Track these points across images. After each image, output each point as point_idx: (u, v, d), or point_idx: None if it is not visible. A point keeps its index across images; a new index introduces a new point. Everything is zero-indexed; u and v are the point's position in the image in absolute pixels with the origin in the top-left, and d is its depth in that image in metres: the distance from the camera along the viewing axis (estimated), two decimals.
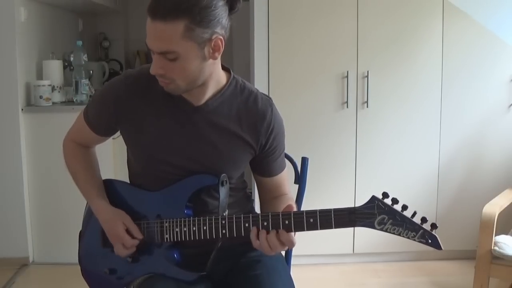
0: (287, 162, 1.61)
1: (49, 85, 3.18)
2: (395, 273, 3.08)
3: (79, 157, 1.57)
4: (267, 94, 1.53)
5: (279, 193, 1.54)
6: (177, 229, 1.38)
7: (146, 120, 1.41)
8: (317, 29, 2.99)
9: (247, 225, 1.32)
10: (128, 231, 1.42)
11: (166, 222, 1.40)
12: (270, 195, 1.54)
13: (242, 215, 1.34)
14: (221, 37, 1.29)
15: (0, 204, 3.13)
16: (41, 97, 3.12)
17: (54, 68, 3.29)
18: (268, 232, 1.30)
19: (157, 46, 1.25)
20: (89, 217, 1.54)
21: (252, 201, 1.65)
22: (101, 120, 1.48)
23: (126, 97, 1.41)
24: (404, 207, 1.24)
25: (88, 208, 1.56)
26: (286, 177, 1.58)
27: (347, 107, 3.05)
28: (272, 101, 1.48)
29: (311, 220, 1.27)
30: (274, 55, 3.00)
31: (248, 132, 1.43)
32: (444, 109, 3.07)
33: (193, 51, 1.26)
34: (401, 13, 3.00)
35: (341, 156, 3.09)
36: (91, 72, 3.58)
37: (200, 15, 1.23)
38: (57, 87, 3.26)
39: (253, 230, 1.30)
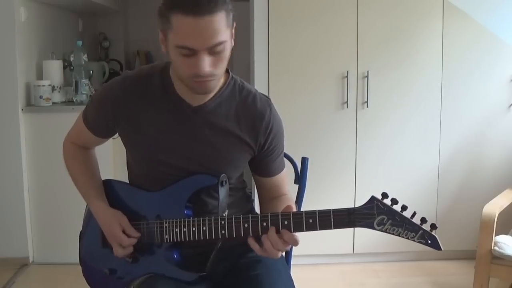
0: (287, 162, 1.61)
1: (49, 85, 3.18)
2: (395, 273, 3.08)
3: (79, 158, 1.57)
4: (266, 94, 1.53)
5: (278, 193, 1.54)
6: (176, 230, 1.38)
7: (144, 121, 1.41)
8: (317, 29, 2.99)
9: (246, 225, 1.32)
10: (125, 232, 1.42)
11: (166, 222, 1.40)
12: (269, 195, 1.54)
13: (241, 216, 1.33)
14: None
15: (0, 204, 3.13)
16: (41, 97, 3.12)
17: (54, 68, 3.29)
18: (266, 232, 1.30)
19: (208, 41, 1.22)
20: (89, 217, 1.55)
21: (251, 201, 1.65)
22: (99, 121, 1.49)
23: (124, 99, 1.41)
24: (404, 208, 1.24)
25: (89, 208, 1.56)
26: (286, 178, 1.57)
27: (347, 107, 3.05)
28: (270, 101, 1.48)
29: (310, 220, 1.27)
30: (274, 55, 3.00)
31: (247, 132, 1.43)
32: (444, 109, 3.07)
33: (230, 38, 1.28)
34: (401, 13, 3.00)
35: (341, 156, 3.09)
36: (91, 72, 3.58)
37: (230, 3, 1.24)
38: (57, 87, 3.26)
39: (250, 239, 1.30)
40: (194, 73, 1.26)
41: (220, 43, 1.24)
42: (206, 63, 1.24)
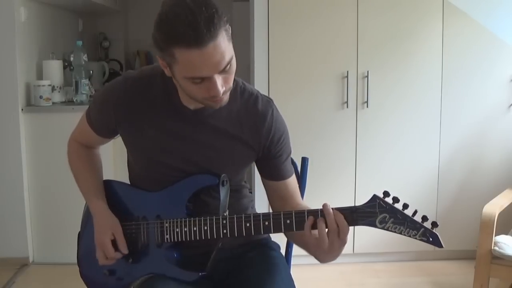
0: None
1: (49, 85, 3.18)
2: (395, 273, 3.08)
3: (82, 157, 1.58)
4: (266, 94, 1.52)
5: (295, 202, 1.49)
6: (177, 229, 1.38)
7: (145, 122, 1.41)
8: (317, 29, 2.99)
9: (248, 224, 1.32)
10: (115, 242, 1.42)
11: (166, 222, 1.40)
12: (285, 204, 1.48)
13: (243, 215, 1.33)
14: None
15: (0, 204, 3.13)
16: (41, 97, 3.12)
17: (54, 68, 3.29)
18: (269, 231, 1.30)
19: (219, 65, 1.20)
20: (87, 218, 1.54)
21: (252, 201, 1.64)
22: (102, 122, 1.49)
23: (125, 100, 1.41)
24: (405, 206, 1.24)
25: (86, 209, 1.56)
26: (297, 187, 1.55)
27: (347, 107, 3.05)
28: (273, 102, 1.47)
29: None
30: (274, 55, 3.00)
31: (249, 134, 1.42)
32: (444, 109, 3.07)
33: (233, 50, 1.24)
34: (401, 13, 3.00)
35: (341, 156, 3.09)
36: (91, 72, 3.58)
37: (224, 15, 1.20)
38: (57, 87, 3.27)
39: (309, 220, 1.27)
40: (210, 96, 1.25)
41: (230, 60, 1.22)
42: (220, 84, 1.23)
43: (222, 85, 1.24)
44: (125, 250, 1.42)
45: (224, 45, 1.19)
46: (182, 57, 1.18)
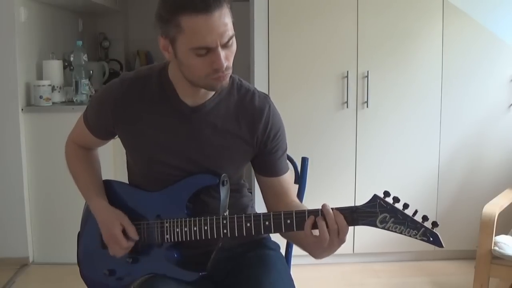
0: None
1: (49, 85, 3.18)
2: (395, 273, 3.08)
3: (81, 158, 1.58)
4: (266, 92, 1.53)
5: (288, 198, 1.49)
6: (177, 229, 1.38)
7: (143, 122, 1.41)
8: (317, 29, 2.99)
9: (248, 224, 1.32)
10: (125, 232, 1.42)
11: (166, 222, 1.40)
12: (279, 201, 1.48)
13: (243, 215, 1.33)
14: None
15: (0, 204, 3.13)
16: (41, 97, 3.12)
17: (54, 68, 3.29)
18: (270, 231, 1.30)
19: (223, 35, 1.23)
20: (87, 218, 1.54)
21: (251, 200, 1.64)
22: (99, 124, 1.49)
23: (123, 101, 1.41)
24: (405, 206, 1.24)
25: (86, 209, 1.56)
26: (292, 183, 1.56)
27: (347, 107, 3.05)
28: (269, 98, 1.47)
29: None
30: (274, 55, 3.00)
31: (246, 130, 1.43)
32: (444, 109, 3.07)
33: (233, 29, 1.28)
34: (401, 12, 3.00)
35: (341, 156, 3.09)
36: (91, 72, 3.58)
37: None
38: (57, 87, 3.27)
39: (310, 220, 1.28)
40: (213, 70, 1.27)
41: (232, 36, 1.26)
42: (222, 57, 1.25)
43: (225, 60, 1.26)
44: (136, 236, 1.42)
45: (228, 17, 1.24)
46: (188, 24, 1.21)
